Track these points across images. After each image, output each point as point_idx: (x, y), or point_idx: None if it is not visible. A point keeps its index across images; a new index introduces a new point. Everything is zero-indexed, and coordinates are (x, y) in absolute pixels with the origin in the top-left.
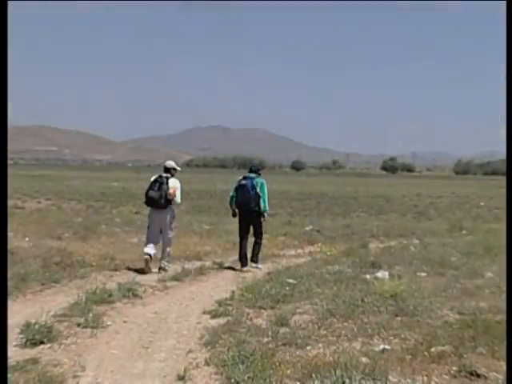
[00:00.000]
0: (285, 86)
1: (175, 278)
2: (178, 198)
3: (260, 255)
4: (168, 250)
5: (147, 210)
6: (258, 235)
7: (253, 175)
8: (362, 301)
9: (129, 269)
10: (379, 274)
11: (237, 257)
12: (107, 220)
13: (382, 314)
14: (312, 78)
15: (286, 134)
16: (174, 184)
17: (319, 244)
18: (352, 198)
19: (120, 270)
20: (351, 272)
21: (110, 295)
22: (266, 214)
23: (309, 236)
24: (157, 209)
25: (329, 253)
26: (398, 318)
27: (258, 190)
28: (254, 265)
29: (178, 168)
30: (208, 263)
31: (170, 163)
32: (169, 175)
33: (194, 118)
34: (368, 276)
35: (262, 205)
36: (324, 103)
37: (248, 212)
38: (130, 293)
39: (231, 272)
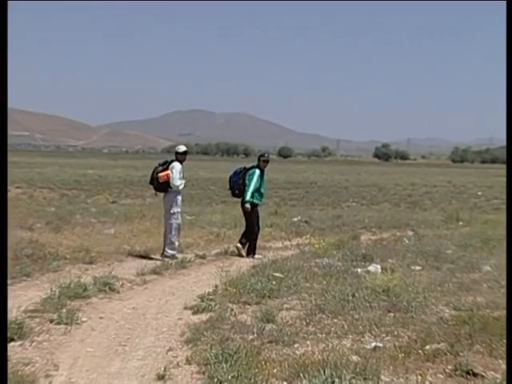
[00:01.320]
0: (271, 68)
1: (155, 272)
2: (174, 181)
3: (256, 248)
4: (169, 236)
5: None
6: (248, 228)
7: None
8: (353, 296)
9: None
10: (371, 268)
11: (220, 249)
12: (82, 210)
13: (374, 309)
14: (300, 60)
15: (273, 119)
16: (171, 168)
17: (307, 236)
18: (343, 187)
19: (96, 263)
20: (341, 265)
21: (85, 290)
22: (246, 206)
23: (296, 227)
24: (161, 193)
25: (318, 245)
26: (391, 314)
27: (247, 180)
28: (250, 257)
29: (180, 150)
30: (190, 256)
31: (177, 147)
32: (174, 159)
33: (175, 102)
34: (359, 270)
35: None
36: (313, 87)
37: (241, 202)
38: (107, 287)
39: (214, 265)
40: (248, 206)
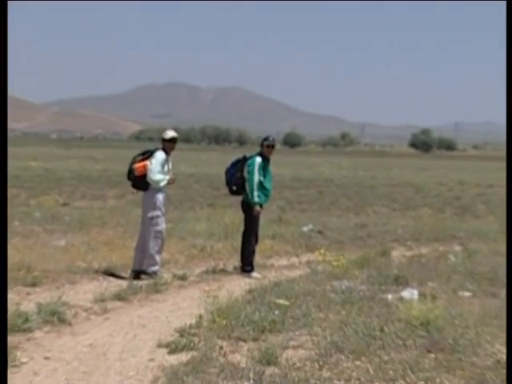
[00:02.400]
0: (273, 30)
1: (119, 297)
2: (152, 174)
3: (253, 261)
4: (149, 248)
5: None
6: (245, 234)
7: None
8: (381, 330)
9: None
10: (405, 294)
11: (205, 267)
12: (22, 214)
13: (409, 349)
14: (310, 19)
15: (276, 96)
16: (152, 157)
17: (321, 251)
18: (368, 186)
19: (40, 285)
20: (366, 290)
21: (26, 320)
22: (255, 209)
23: (307, 239)
24: (140, 191)
25: (335, 263)
26: (432, 356)
27: (246, 172)
28: (245, 273)
29: (167, 136)
30: (166, 276)
31: (164, 133)
32: (158, 148)
33: (147, 73)
34: (389, 296)
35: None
36: (329, 56)
37: (241, 202)
38: (55, 317)
39: (198, 288)
40: (258, 208)
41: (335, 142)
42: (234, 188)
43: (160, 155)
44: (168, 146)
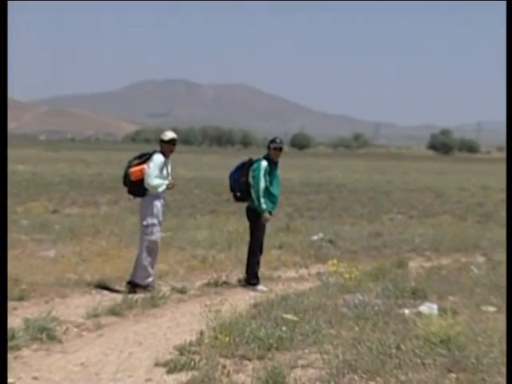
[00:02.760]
0: (281, 26)
1: (113, 312)
2: (149, 179)
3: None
4: (140, 259)
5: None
6: (249, 244)
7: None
8: (398, 348)
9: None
10: (424, 308)
11: (207, 280)
12: (9, 222)
13: (428, 368)
14: (320, 15)
15: (282, 94)
16: (150, 161)
17: (333, 262)
18: (383, 191)
19: (28, 299)
20: (381, 304)
21: (13, 338)
22: (264, 217)
23: (317, 249)
24: (137, 197)
25: (348, 275)
26: (453, 376)
27: (251, 177)
28: (250, 286)
29: (166, 137)
30: (164, 289)
31: (162, 134)
32: (156, 151)
33: (144, 69)
34: (407, 311)
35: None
36: (340, 51)
37: (246, 209)
38: (44, 334)
39: (199, 303)
40: (267, 216)
41: (347, 143)
42: (239, 194)
43: (158, 158)
44: (167, 148)
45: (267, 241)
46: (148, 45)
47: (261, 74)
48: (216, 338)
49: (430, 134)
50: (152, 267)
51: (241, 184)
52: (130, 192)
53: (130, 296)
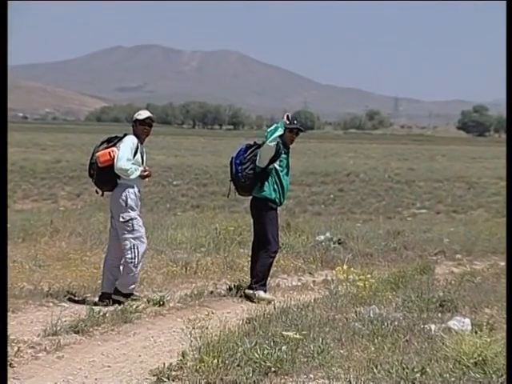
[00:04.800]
0: None
1: (76, 329)
2: (120, 163)
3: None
4: (126, 262)
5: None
6: (260, 241)
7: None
8: (423, 372)
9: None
10: (454, 323)
11: (190, 289)
12: None
13: None
14: None
15: (281, 63)
16: (121, 143)
17: (343, 267)
18: (404, 181)
19: None
20: (402, 319)
21: None
22: (274, 202)
23: (324, 252)
24: (106, 190)
25: (361, 283)
26: None
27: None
28: (250, 291)
29: (140, 116)
30: (138, 301)
31: (137, 114)
32: (129, 133)
33: (112, 32)
34: (433, 326)
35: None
36: (352, 14)
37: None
38: None
39: (180, 317)
40: (273, 205)
41: (360, 122)
42: (244, 182)
43: (129, 140)
44: (141, 129)
45: None
46: (116, 2)
47: (255, 38)
48: (201, 360)
49: (460, 111)
50: (137, 270)
51: (246, 171)
52: (97, 184)
53: (97, 310)
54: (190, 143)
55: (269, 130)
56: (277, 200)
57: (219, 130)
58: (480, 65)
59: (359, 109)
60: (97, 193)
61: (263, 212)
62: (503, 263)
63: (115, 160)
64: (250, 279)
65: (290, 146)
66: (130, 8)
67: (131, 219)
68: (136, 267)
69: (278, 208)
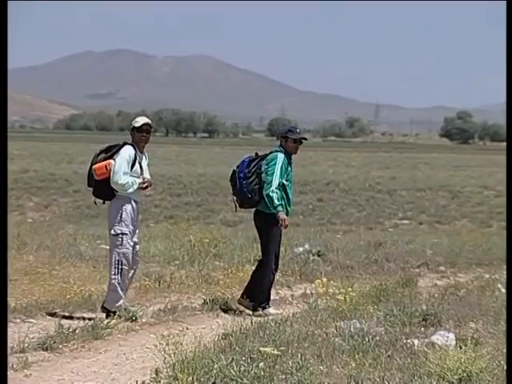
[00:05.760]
0: None
1: (44, 346)
2: (116, 177)
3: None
4: (110, 275)
5: None
6: (262, 257)
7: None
8: None
9: None
10: (438, 338)
11: (163, 304)
12: None
13: None
14: None
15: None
16: (118, 155)
17: (322, 280)
18: (386, 191)
19: None
20: (384, 333)
21: None
22: (280, 215)
23: (302, 264)
24: (105, 201)
25: (341, 297)
26: None
27: (264, 173)
28: (259, 311)
29: (137, 123)
30: (109, 317)
31: (134, 120)
32: (127, 142)
33: (81, 37)
34: (416, 341)
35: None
36: (329, 14)
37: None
38: None
39: (154, 333)
40: (283, 215)
41: (340, 130)
42: (256, 197)
43: (126, 151)
44: (139, 137)
45: (239, 253)
46: (86, 6)
47: (231, 43)
48: (175, 377)
49: (443, 117)
50: (123, 288)
51: (251, 184)
52: (95, 194)
53: (67, 326)
54: (163, 152)
55: (269, 159)
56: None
57: (193, 138)
58: (464, 70)
59: (339, 116)
60: (95, 203)
61: (269, 227)
62: (488, 275)
63: (111, 174)
64: (242, 293)
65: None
66: (101, 11)
67: (122, 234)
68: (119, 283)
69: None
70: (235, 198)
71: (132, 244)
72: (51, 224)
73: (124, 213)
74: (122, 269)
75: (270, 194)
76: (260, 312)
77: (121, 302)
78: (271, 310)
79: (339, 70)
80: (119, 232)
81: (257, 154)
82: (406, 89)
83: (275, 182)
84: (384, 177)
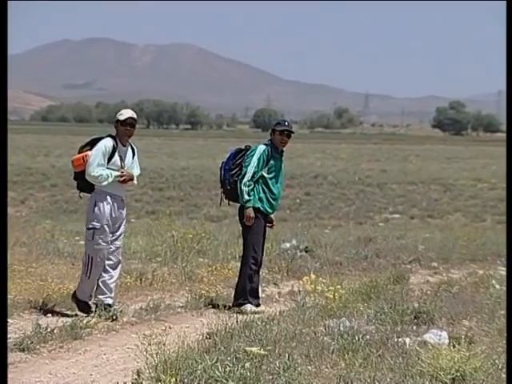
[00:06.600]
0: None
1: (21, 347)
2: (90, 169)
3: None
4: (81, 274)
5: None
6: (243, 252)
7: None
8: None
9: None
10: (429, 337)
11: (145, 302)
12: None
13: None
14: None
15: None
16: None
17: (310, 277)
18: (376, 184)
19: None
20: (375, 332)
21: None
22: (246, 212)
23: (289, 261)
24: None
25: (330, 294)
26: None
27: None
28: (237, 308)
29: (122, 116)
30: (88, 316)
31: (118, 114)
32: (111, 134)
33: (57, 25)
34: (408, 340)
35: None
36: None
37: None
38: None
39: (135, 332)
40: (250, 213)
41: (327, 121)
42: (229, 188)
43: (104, 143)
44: (122, 130)
45: (224, 250)
46: None
47: (214, 31)
48: (158, 379)
49: (435, 107)
50: (93, 283)
51: (233, 178)
52: (78, 188)
53: (44, 325)
54: (144, 144)
55: (250, 153)
56: (263, 209)
57: (175, 130)
58: (456, 59)
59: (327, 106)
60: (80, 197)
61: (244, 217)
62: (482, 271)
63: (86, 166)
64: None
65: (284, 149)
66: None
67: (94, 229)
68: (88, 277)
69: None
70: (223, 190)
71: (107, 240)
72: (28, 220)
73: (96, 208)
74: (92, 264)
75: (242, 188)
76: (243, 308)
77: (89, 294)
78: (248, 308)
79: (326, 58)
80: (91, 227)
81: (246, 146)
82: (397, 78)
83: (249, 174)
84: (374, 169)
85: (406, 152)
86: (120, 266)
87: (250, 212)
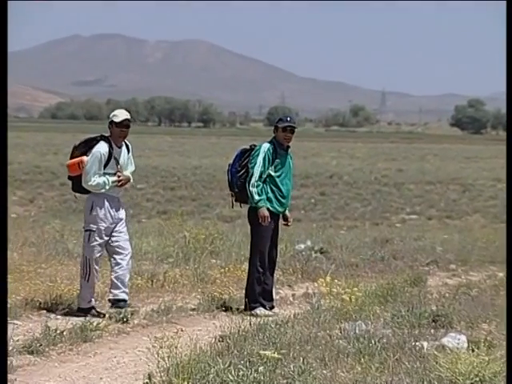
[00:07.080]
0: None
1: (30, 349)
2: (87, 177)
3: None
4: (80, 277)
5: None
6: (250, 254)
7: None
8: None
9: None
10: (448, 341)
11: (157, 304)
12: None
13: None
14: None
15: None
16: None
17: (325, 279)
18: (393, 184)
19: None
20: (391, 336)
21: None
22: (260, 212)
23: (304, 262)
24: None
25: (346, 296)
26: None
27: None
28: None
29: (117, 118)
30: (98, 318)
31: (113, 115)
32: (104, 135)
33: (68, 21)
34: (426, 344)
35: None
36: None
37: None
38: None
39: (146, 335)
40: (264, 212)
41: (344, 119)
42: (237, 190)
43: (98, 149)
44: (117, 132)
45: (237, 250)
46: None
47: (227, 27)
48: (170, 382)
49: (454, 106)
50: (89, 288)
51: (240, 178)
52: (73, 189)
53: (54, 328)
54: (155, 142)
55: (254, 152)
56: (273, 209)
57: (188, 128)
58: (476, 56)
59: (342, 104)
60: (75, 198)
61: (255, 223)
62: (502, 274)
63: (83, 175)
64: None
65: (290, 145)
66: None
67: (90, 231)
68: (87, 281)
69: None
70: (231, 192)
71: (101, 242)
72: (37, 219)
73: (93, 210)
74: (89, 266)
75: (250, 189)
76: (253, 312)
77: (92, 299)
78: (258, 311)
79: (341, 54)
80: (87, 229)
81: (251, 146)
82: (415, 75)
83: (256, 175)
84: (391, 169)
85: (423, 151)
86: (130, 259)
87: (264, 211)
